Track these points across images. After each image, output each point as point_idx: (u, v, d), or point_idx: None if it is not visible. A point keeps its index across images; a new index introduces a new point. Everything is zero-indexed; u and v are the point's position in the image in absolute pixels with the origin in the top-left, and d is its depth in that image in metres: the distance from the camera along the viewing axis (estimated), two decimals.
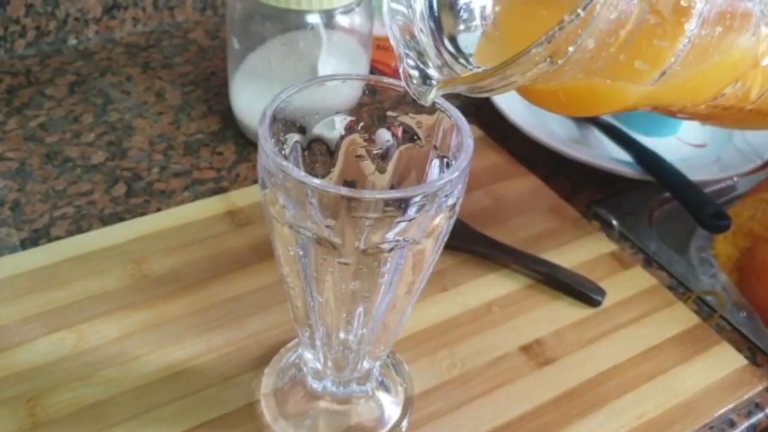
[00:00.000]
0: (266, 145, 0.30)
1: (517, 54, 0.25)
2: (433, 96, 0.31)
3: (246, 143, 0.60)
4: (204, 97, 0.65)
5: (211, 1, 0.76)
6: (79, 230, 0.51)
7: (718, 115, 0.36)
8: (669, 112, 0.36)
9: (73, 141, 0.59)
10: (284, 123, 0.33)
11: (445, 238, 0.33)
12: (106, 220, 0.52)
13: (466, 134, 0.31)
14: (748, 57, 0.32)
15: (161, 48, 0.71)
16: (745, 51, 0.31)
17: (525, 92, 0.32)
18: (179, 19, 0.75)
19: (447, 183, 0.29)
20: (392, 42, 0.31)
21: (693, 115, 0.37)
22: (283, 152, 0.34)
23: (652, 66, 0.29)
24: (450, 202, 0.30)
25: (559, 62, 0.25)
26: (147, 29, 0.74)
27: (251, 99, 0.59)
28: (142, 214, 0.53)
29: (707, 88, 0.33)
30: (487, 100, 0.63)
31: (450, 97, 0.32)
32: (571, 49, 0.25)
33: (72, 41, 0.70)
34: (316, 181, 0.29)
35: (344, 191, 0.29)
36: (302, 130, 0.34)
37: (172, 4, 0.74)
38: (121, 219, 0.52)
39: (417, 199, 0.29)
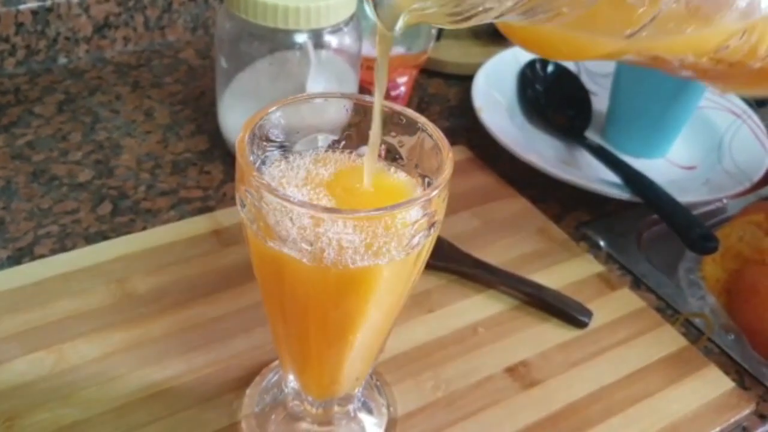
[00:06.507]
0: (244, 161, 0.30)
1: None
2: (401, 24, 0.29)
3: (233, 163, 0.60)
4: (193, 117, 0.65)
5: (202, 20, 0.76)
6: (63, 249, 0.50)
7: (724, 73, 0.33)
8: (671, 69, 0.33)
9: (60, 159, 0.59)
10: (265, 139, 0.33)
11: (425, 258, 0.33)
12: (90, 239, 0.52)
13: (446, 154, 0.31)
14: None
15: (151, 67, 0.71)
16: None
17: (523, 39, 0.30)
18: (170, 38, 0.75)
19: (426, 202, 0.29)
20: None
21: (697, 72, 0.34)
22: (262, 170, 0.33)
23: (650, 5, 0.27)
24: (429, 221, 0.30)
25: None
26: (138, 48, 0.74)
27: (239, 119, 0.58)
28: (128, 232, 0.52)
29: (709, 36, 0.30)
30: (477, 122, 0.63)
31: (440, 117, 0.32)
32: None
33: (62, 60, 0.70)
34: (295, 199, 0.29)
35: (323, 209, 0.29)
36: (283, 148, 0.34)
37: (163, 23, 0.74)
38: (106, 238, 0.52)
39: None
